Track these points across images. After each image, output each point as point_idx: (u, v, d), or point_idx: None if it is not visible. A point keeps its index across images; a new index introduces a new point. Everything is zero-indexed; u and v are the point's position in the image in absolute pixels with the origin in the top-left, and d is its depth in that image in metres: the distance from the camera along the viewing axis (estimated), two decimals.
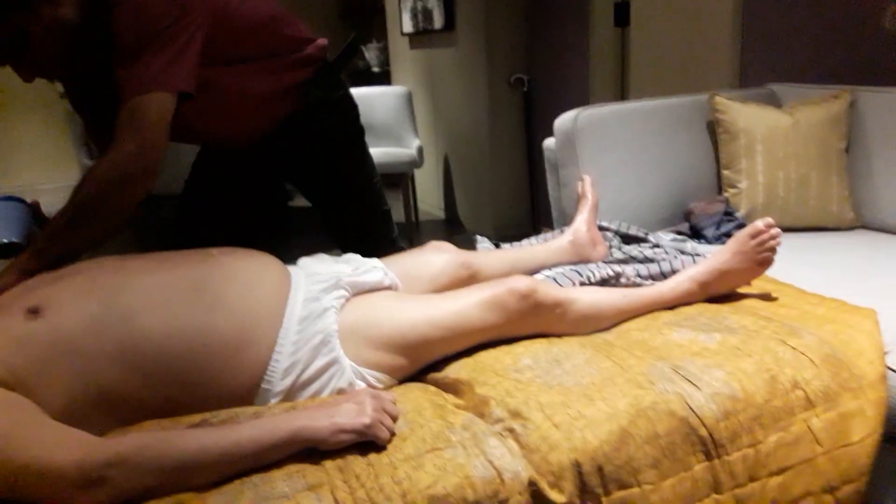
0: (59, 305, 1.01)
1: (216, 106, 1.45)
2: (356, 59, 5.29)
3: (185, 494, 0.88)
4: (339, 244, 1.74)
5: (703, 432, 1.06)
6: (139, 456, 0.87)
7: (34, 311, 0.99)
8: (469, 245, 1.64)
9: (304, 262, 1.32)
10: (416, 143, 4.21)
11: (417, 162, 4.14)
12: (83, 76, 1.43)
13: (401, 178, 4.01)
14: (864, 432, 1.16)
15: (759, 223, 1.40)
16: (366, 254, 1.39)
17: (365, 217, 1.77)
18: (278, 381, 1.09)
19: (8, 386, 0.93)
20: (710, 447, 1.06)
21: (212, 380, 1.05)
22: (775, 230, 1.40)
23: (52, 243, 1.23)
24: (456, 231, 4.37)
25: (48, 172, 6.51)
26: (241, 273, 1.15)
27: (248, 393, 1.08)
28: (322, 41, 1.60)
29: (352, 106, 1.71)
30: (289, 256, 1.33)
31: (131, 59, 1.27)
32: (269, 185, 1.78)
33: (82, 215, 1.25)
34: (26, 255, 1.21)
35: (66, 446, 0.87)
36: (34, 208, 1.32)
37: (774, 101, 2.18)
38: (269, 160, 1.66)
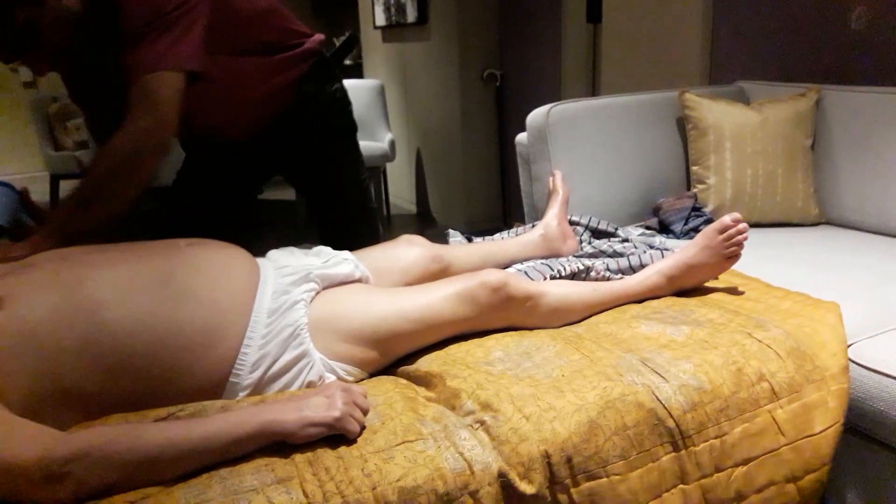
0: (20, 297, 0.98)
1: (218, 100, 1.48)
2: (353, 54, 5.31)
3: (152, 488, 0.87)
4: (321, 237, 1.76)
5: (671, 423, 1.07)
6: (103, 450, 0.85)
7: None
8: (441, 239, 1.64)
9: (273, 254, 1.31)
10: (388, 136, 4.19)
11: (389, 156, 4.13)
12: (85, 68, 1.45)
13: (372, 171, 4.00)
14: (826, 423, 1.19)
15: (727, 218, 1.42)
16: (347, 248, 1.39)
17: (350, 211, 1.78)
18: (247, 374, 1.08)
19: None
20: (678, 438, 1.08)
21: (178, 374, 1.03)
22: (742, 225, 1.42)
23: (67, 221, 1.25)
24: (427, 225, 4.37)
25: (11, 163, 6.36)
26: (209, 265, 1.13)
27: (215, 387, 1.06)
28: (319, 36, 1.64)
29: (346, 101, 1.74)
30: (257, 249, 1.31)
31: (138, 41, 1.28)
32: (260, 179, 1.79)
33: (97, 192, 1.27)
34: (40, 233, 1.23)
35: (26, 441, 0.85)
36: (22, 195, 1.33)
37: (743, 99, 2.21)
38: (263, 154, 1.68)
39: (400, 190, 4.86)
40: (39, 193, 5.65)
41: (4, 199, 1.28)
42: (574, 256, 1.63)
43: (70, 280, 1.02)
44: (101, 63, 1.40)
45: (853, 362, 1.28)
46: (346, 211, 1.77)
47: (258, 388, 1.09)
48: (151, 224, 1.57)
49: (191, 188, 1.72)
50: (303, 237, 4.02)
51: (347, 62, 5.46)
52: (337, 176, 1.73)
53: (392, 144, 4.18)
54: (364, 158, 1.82)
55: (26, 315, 0.96)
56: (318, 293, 1.21)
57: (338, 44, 4.60)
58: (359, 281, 1.30)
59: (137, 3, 1.28)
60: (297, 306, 1.14)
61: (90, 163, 1.28)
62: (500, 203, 4.11)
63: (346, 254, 1.33)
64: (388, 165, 4.53)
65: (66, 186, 4.93)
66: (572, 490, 1.00)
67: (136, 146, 1.27)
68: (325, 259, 1.28)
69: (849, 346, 1.30)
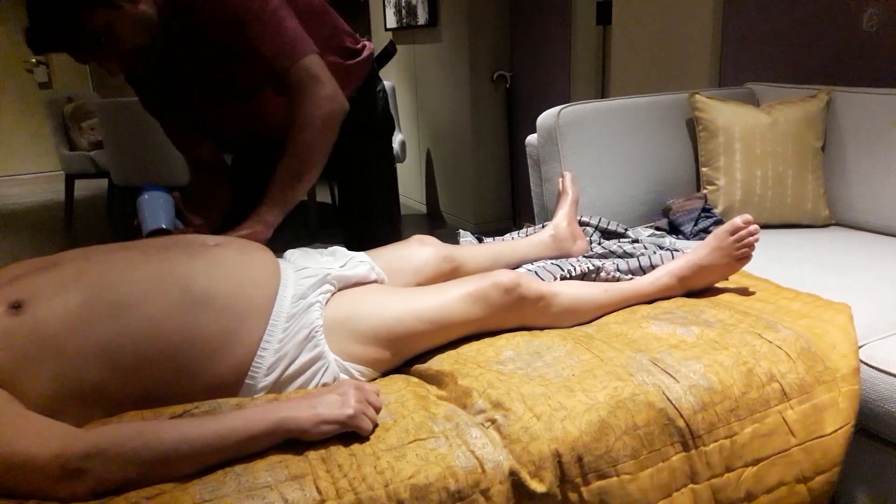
0: (42, 299, 0.99)
1: (281, 103, 1.52)
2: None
3: (167, 484, 0.88)
4: (346, 232, 1.80)
5: (681, 423, 1.08)
6: (119, 447, 0.87)
7: (17, 306, 0.98)
8: (451, 239, 1.65)
9: (290, 255, 1.32)
10: (398, 137, 4.21)
11: (400, 156, 4.14)
12: (161, 75, 1.49)
13: None
14: (837, 424, 1.19)
15: (738, 220, 1.43)
16: (368, 244, 1.41)
17: (377, 209, 1.82)
18: (262, 377, 1.09)
19: None
20: (688, 438, 1.08)
21: (195, 377, 1.04)
22: (753, 227, 1.42)
23: (285, 192, 1.40)
24: (437, 225, 4.38)
25: (27, 162, 6.43)
26: (233, 268, 1.14)
27: (231, 388, 1.07)
28: (371, 45, 1.73)
29: (387, 101, 1.79)
30: (271, 248, 1.33)
31: (267, 36, 1.37)
32: None
33: (305, 160, 1.40)
34: (264, 207, 1.38)
35: (44, 438, 0.86)
36: (175, 199, 1.42)
37: (753, 101, 2.21)
38: None
39: (410, 190, 4.88)
40: (55, 192, 5.70)
41: (164, 202, 1.36)
42: (584, 257, 1.63)
43: (91, 281, 1.03)
44: (177, 69, 1.45)
45: (864, 364, 1.28)
46: (373, 208, 1.80)
47: (274, 389, 1.10)
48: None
49: (237, 187, 1.75)
50: (314, 237, 4.04)
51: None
52: (374, 173, 1.78)
53: (403, 145, 4.19)
54: None
55: (47, 317, 0.98)
56: (333, 294, 1.22)
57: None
58: (374, 282, 1.31)
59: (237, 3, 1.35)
60: (312, 308, 1.15)
61: (287, 140, 1.39)
62: (510, 204, 4.11)
63: (362, 255, 1.35)
64: (399, 166, 4.54)
65: (80, 186, 4.97)
66: (583, 489, 1.01)
67: (327, 112, 1.39)
68: (341, 261, 1.30)
69: (860, 347, 1.30)
